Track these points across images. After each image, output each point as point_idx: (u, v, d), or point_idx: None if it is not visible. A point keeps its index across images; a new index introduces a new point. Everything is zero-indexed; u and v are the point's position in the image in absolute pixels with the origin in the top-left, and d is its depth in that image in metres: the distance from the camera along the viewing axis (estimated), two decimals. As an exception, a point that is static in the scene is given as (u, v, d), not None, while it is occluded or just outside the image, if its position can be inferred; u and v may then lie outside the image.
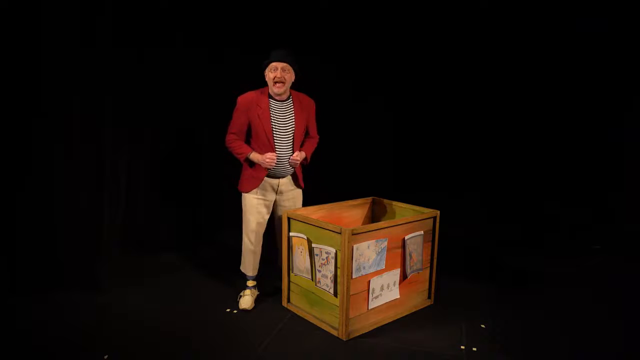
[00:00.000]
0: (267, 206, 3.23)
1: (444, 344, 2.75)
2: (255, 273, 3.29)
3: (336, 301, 2.81)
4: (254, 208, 3.17)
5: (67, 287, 3.37)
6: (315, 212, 3.24)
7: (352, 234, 2.67)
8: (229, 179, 3.31)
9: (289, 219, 3.08)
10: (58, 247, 3.46)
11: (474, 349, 2.70)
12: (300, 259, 3.02)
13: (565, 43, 4.74)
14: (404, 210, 3.37)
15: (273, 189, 3.21)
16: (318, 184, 3.91)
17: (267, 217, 3.25)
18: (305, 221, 2.96)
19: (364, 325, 2.88)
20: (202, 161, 4.73)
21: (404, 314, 3.12)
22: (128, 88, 4.03)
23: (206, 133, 4.65)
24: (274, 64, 3.01)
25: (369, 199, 3.63)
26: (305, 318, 3.05)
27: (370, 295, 2.87)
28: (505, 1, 4.72)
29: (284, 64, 3.01)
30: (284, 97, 3.11)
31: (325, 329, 2.90)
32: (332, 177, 4.87)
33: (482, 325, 2.99)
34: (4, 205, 3.30)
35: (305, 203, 3.38)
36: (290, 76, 3.06)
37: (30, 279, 3.35)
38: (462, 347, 2.71)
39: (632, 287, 3.62)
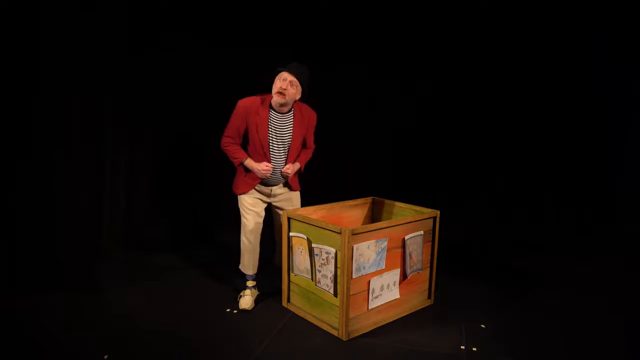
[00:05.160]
0: (263, 205, 3.25)
1: (444, 344, 2.75)
2: (255, 272, 3.29)
3: (336, 301, 2.81)
4: (251, 207, 3.18)
5: (67, 287, 3.36)
6: (315, 212, 3.24)
7: (352, 234, 2.67)
8: (229, 179, 3.31)
9: (289, 219, 3.08)
10: (58, 247, 3.46)
11: (474, 349, 2.69)
12: (300, 259, 3.02)
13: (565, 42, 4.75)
14: (404, 210, 3.37)
15: (267, 193, 3.23)
16: (318, 183, 3.91)
17: (263, 215, 3.26)
18: (305, 221, 2.96)
19: (364, 325, 2.88)
20: (202, 161, 4.73)
21: (404, 314, 3.12)
22: (128, 88, 4.04)
23: (206, 133, 4.64)
24: (284, 73, 2.93)
25: (369, 199, 3.63)
26: (305, 318, 3.05)
27: (370, 295, 2.87)
28: (505, 1, 4.72)
29: (294, 78, 2.93)
30: (285, 109, 3.05)
31: (325, 329, 2.90)
32: (332, 177, 4.87)
33: (482, 325, 2.98)
34: (4, 205, 3.30)
35: (305, 203, 3.38)
36: (294, 92, 2.97)
37: (30, 279, 3.35)
38: (462, 347, 2.71)
39: (632, 287, 3.62)
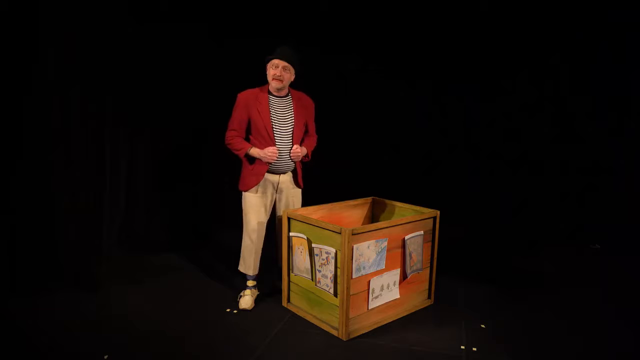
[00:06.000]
0: (267, 205, 3.24)
1: (444, 344, 2.75)
2: (256, 273, 3.29)
3: (336, 301, 2.81)
4: (254, 207, 3.17)
5: (67, 287, 3.37)
6: (315, 212, 3.24)
7: (352, 234, 2.67)
8: (230, 179, 3.31)
9: (289, 219, 3.08)
10: (58, 247, 3.46)
11: (474, 349, 2.70)
12: (300, 259, 3.02)
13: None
14: (404, 210, 3.37)
15: (273, 187, 3.21)
16: (318, 184, 3.91)
17: (267, 216, 3.25)
18: (305, 221, 2.96)
19: (364, 325, 2.88)
20: (203, 161, 4.73)
21: (404, 314, 3.12)
22: (129, 87, 4.03)
23: (206, 132, 4.65)
24: (275, 61, 3.03)
25: (369, 199, 3.63)
26: (305, 318, 3.05)
27: (370, 295, 2.87)
28: (505, 2, 4.73)
29: (285, 63, 3.03)
30: (283, 93, 3.14)
31: (325, 329, 2.90)
32: (332, 177, 4.87)
33: (482, 325, 2.99)
34: (4, 205, 3.30)
35: (305, 203, 3.38)
36: (289, 75, 3.09)
37: (30, 279, 3.35)
38: (462, 347, 2.71)
39: (632, 288, 3.62)
